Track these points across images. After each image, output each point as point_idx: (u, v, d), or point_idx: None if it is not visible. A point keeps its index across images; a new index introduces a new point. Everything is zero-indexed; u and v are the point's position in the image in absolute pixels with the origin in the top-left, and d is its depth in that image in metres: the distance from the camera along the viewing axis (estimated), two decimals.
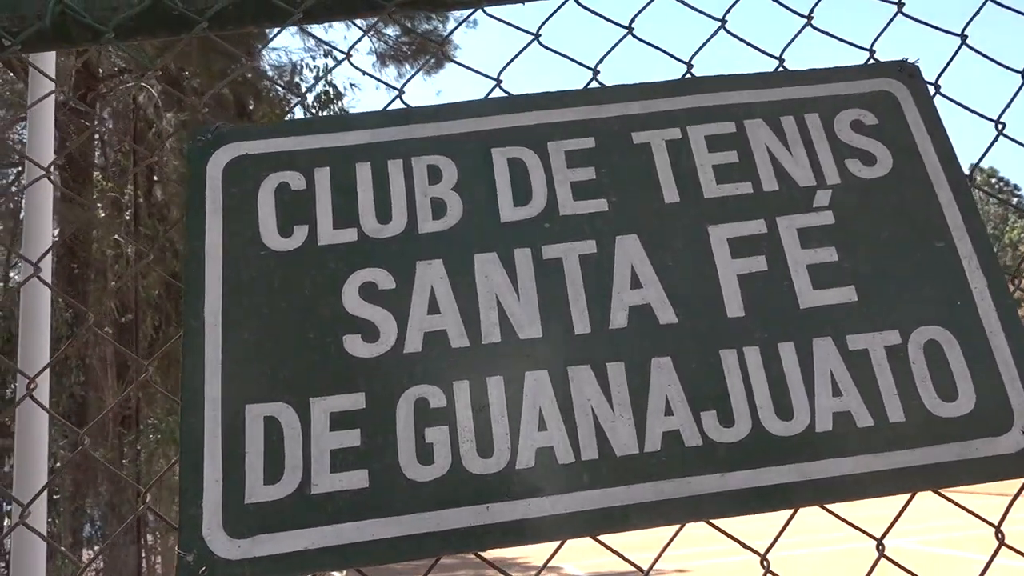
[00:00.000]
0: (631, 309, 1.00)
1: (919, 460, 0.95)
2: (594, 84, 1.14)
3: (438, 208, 1.05)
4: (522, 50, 1.15)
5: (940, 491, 0.98)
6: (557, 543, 0.94)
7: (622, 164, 1.08)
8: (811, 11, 1.26)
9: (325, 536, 0.90)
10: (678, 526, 0.95)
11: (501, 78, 1.13)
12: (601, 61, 1.15)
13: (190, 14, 1.15)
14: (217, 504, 0.90)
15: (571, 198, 1.06)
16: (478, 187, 1.06)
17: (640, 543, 1.01)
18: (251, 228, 1.03)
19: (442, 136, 1.09)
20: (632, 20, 1.19)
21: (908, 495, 0.97)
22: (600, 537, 0.95)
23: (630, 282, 1.01)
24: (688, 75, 1.16)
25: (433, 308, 0.99)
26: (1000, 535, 1.02)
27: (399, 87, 1.13)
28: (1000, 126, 1.22)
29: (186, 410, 0.93)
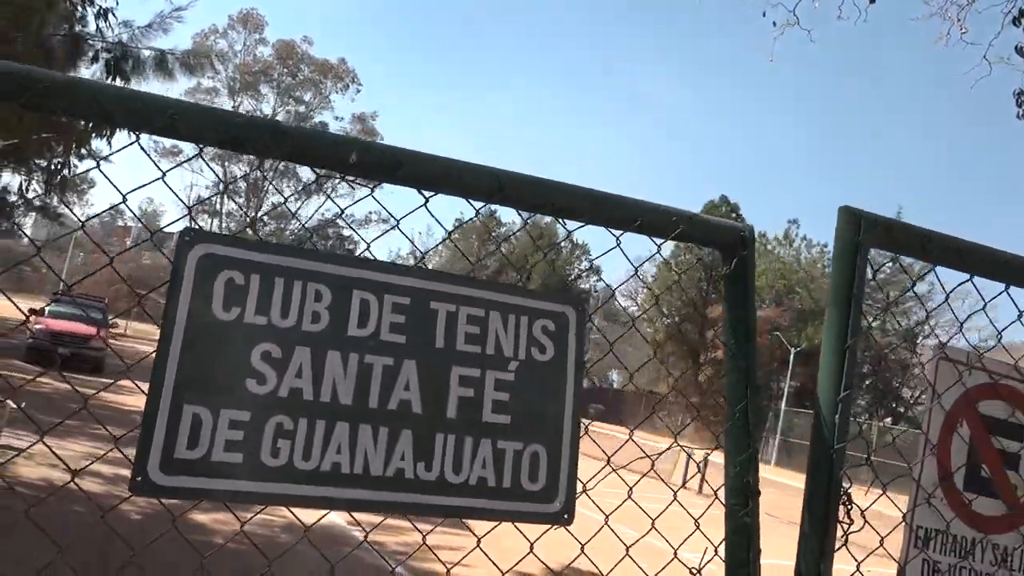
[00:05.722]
0: (400, 400, 1.91)
1: (512, 508, 1.97)
2: (421, 264, 2.01)
3: (315, 317, 1.87)
4: (384, 232, 2.00)
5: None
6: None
7: (419, 319, 1.97)
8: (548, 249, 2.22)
9: (214, 483, 1.71)
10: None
11: (371, 246, 1.97)
12: (425, 254, 2.02)
13: None
14: (158, 454, 1.67)
15: (388, 331, 1.93)
16: (339, 311, 1.90)
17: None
18: (207, 302, 1.78)
19: (328, 274, 1.90)
20: (452, 231, 2.08)
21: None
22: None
23: (405, 386, 1.92)
24: (471, 274, 2.07)
25: (298, 375, 1.82)
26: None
27: (311, 232, 1.93)
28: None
29: (151, 398, 1.68)
